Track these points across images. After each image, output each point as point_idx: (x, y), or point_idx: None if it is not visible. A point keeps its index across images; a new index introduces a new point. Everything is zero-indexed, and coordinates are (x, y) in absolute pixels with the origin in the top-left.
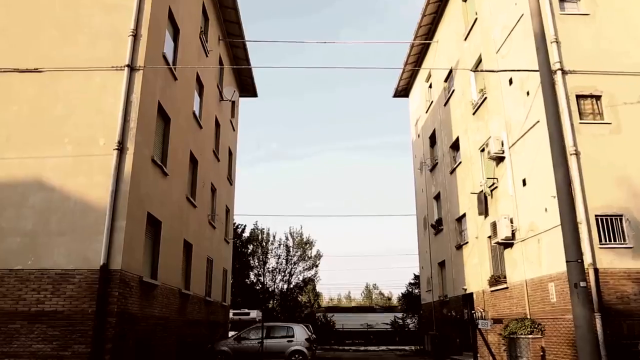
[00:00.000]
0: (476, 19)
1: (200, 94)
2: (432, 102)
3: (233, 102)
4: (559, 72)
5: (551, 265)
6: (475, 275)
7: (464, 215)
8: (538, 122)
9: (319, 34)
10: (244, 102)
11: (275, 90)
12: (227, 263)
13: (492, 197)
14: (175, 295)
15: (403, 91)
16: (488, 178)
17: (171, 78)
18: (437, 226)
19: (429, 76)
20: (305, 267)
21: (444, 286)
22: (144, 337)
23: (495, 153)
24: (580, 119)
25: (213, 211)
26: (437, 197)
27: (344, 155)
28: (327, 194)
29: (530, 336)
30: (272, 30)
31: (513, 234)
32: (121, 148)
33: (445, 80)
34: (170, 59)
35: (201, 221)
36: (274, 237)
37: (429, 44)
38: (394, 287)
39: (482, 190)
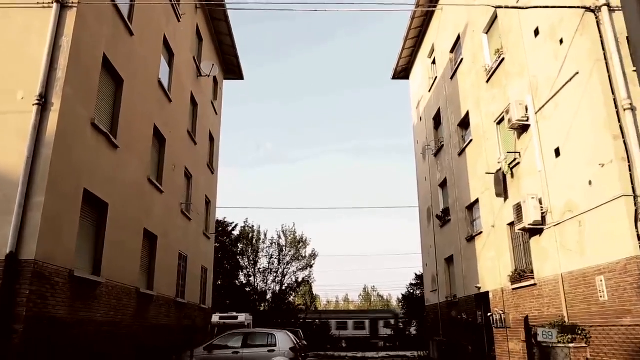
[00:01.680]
0: None
1: (170, 63)
2: (436, 78)
3: (216, 83)
4: (605, 9)
5: (600, 254)
6: (491, 271)
7: (477, 201)
8: (577, 74)
9: (312, 35)
10: (237, 104)
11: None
12: (207, 260)
13: (512, 175)
14: (130, 295)
15: (403, 72)
16: (508, 152)
17: (125, 31)
18: (444, 217)
19: (432, 50)
20: (299, 267)
21: (452, 285)
22: (79, 347)
23: (517, 121)
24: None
25: (188, 200)
26: (443, 184)
27: (343, 157)
28: (326, 197)
29: (571, 345)
30: (263, 34)
31: (543, 218)
32: (43, 103)
33: (452, 51)
34: (125, 10)
35: (170, 210)
36: (265, 235)
37: (431, 16)
38: (394, 288)
39: (500, 169)
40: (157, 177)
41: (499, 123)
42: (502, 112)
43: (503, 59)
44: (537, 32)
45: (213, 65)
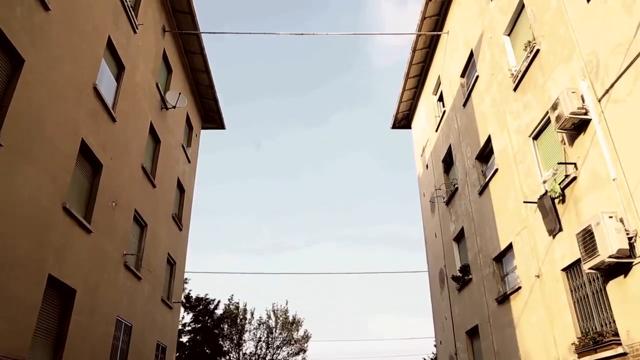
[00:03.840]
0: None
1: (118, 76)
2: (444, 113)
3: (190, 128)
4: None
5: None
6: (540, 342)
7: (509, 247)
8: None
9: (309, 116)
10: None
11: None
12: (165, 336)
13: (563, 199)
14: None
15: (404, 119)
16: (559, 164)
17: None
18: (462, 277)
19: (438, 84)
20: (291, 352)
21: None
22: None
23: (571, 115)
24: None
25: (139, 252)
26: (460, 237)
27: (342, 246)
28: (326, 290)
29: None
30: (257, 110)
31: (631, 246)
32: None
33: (463, 74)
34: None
35: (104, 258)
36: (252, 314)
37: (435, 46)
38: None
39: (545, 193)
40: (83, 210)
41: (536, 137)
42: (542, 119)
43: (537, 50)
44: None
45: (180, 94)
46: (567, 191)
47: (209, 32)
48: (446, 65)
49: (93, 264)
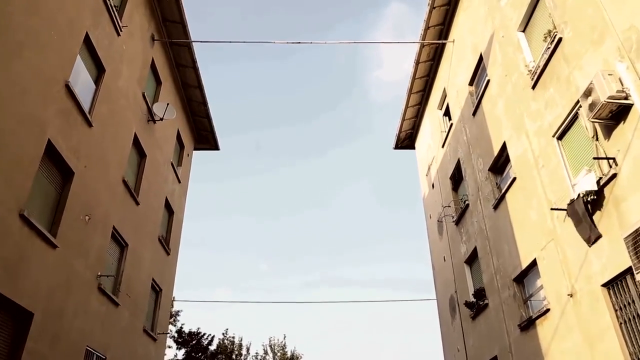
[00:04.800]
0: None
1: (98, 78)
2: (451, 126)
3: (182, 146)
4: None
5: None
6: None
7: (532, 265)
8: None
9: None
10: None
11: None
12: None
13: (601, 202)
14: None
15: (407, 138)
16: (595, 159)
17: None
18: (477, 303)
19: (444, 97)
20: None
21: None
22: None
23: (609, 101)
24: None
25: (118, 275)
26: (472, 258)
27: (347, 292)
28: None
29: None
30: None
31: None
32: None
33: (472, 82)
34: None
35: (71, 278)
36: (248, 349)
37: (440, 58)
38: None
39: (578, 197)
40: (47, 221)
41: (561, 136)
42: (568, 115)
43: (559, 39)
44: None
45: (168, 105)
46: (605, 190)
47: (201, 42)
48: (452, 75)
49: (58, 285)
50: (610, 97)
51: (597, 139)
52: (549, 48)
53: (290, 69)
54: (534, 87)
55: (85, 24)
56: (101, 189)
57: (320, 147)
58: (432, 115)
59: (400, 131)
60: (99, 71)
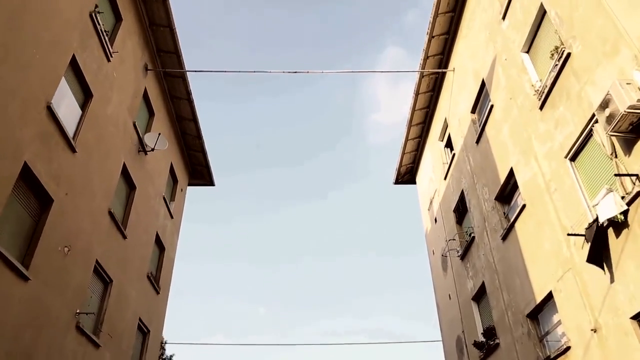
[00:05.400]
0: None
1: (85, 104)
2: (453, 156)
3: (175, 181)
4: None
5: None
6: None
7: (548, 298)
8: None
9: (306, 191)
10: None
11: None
12: None
13: (626, 224)
14: None
15: (408, 173)
16: (617, 175)
17: None
18: (486, 343)
19: (445, 128)
20: None
21: None
22: None
23: (629, 111)
24: None
25: (101, 314)
26: (480, 295)
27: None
28: None
29: None
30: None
31: None
32: None
33: (474, 110)
34: None
35: (44, 315)
36: None
37: (440, 88)
38: None
39: (596, 219)
40: (18, 250)
41: (574, 157)
42: (581, 133)
43: (568, 55)
44: None
45: (159, 135)
46: (631, 209)
47: (195, 71)
48: (454, 104)
49: (27, 321)
50: (631, 107)
51: (615, 156)
52: (556, 65)
53: (287, 107)
54: (541, 107)
55: (72, 45)
56: (84, 219)
57: (319, 189)
58: (433, 147)
59: (400, 165)
60: (85, 96)
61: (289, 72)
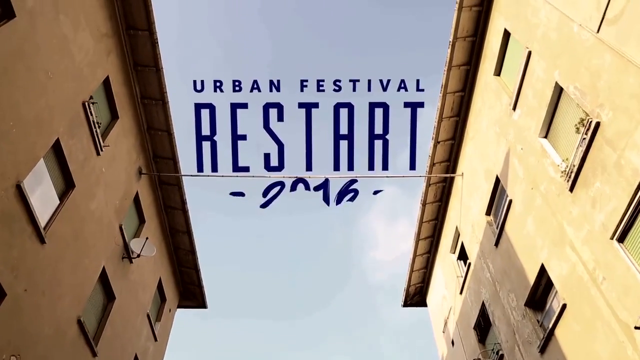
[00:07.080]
0: (529, 52)
1: (64, 195)
2: (468, 267)
3: (163, 299)
4: None
5: None
6: None
7: None
8: None
9: (308, 338)
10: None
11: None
12: None
13: None
14: None
15: (417, 294)
16: None
17: None
18: None
19: (456, 239)
20: None
21: None
22: None
23: None
24: None
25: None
26: None
27: None
28: None
29: None
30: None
31: None
32: None
33: (489, 212)
34: None
35: None
36: None
37: (448, 197)
38: None
39: None
40: None
41: (622, 237)
42: (628, 206)
43: (597, 124)
44: None
45: (147, 240)
46: None
47: (190, 175)
48: (465, 211)
49: None
50: None
51: None
52: (584, 139)
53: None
54: (571, 188)
55: (57, 129)
56: (44, 325)
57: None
58: (445, 262)
59: (408, 285)
60: (67, 185)
61: (290, 177)
